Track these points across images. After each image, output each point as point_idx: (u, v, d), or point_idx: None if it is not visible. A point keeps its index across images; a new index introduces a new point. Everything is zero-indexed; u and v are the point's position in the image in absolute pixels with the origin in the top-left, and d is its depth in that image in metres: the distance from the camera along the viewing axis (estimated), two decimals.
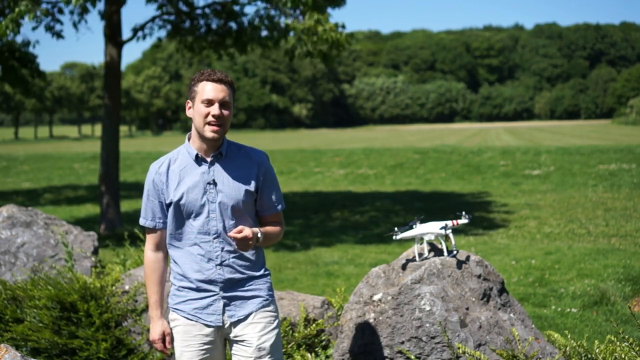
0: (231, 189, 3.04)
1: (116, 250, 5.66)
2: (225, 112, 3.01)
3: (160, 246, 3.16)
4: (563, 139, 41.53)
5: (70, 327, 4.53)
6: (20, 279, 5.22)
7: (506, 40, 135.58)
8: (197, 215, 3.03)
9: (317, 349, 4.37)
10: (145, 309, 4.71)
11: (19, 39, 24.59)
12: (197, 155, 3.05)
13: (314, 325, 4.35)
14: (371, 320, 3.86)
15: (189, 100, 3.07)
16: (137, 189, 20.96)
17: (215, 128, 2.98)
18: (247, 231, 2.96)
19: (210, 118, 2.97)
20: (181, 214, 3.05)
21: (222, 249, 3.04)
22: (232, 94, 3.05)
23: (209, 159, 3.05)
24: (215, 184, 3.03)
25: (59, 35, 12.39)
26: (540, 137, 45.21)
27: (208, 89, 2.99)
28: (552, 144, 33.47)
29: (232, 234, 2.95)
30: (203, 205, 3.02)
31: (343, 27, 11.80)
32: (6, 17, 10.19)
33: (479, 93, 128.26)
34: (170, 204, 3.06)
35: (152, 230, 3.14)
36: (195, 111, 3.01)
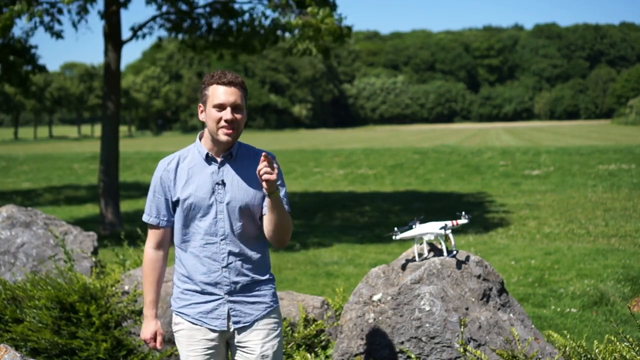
0: (240, 190, 3.00)
1: (115, 251, 5.66)
2: (238, 116, 2.96)
3: (162, 245, 3.11)
4: (563, 139, 41.52)
5: (70, 328, 4.53)
6: (20, 279, 5.22)
7: (506, 40, 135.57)
8: (204, 215, 2.99)
9: (316, 349, 4.37)
10: None
11: (17, 32, 24.52)
12: (207, 155, 3.02)
13: (313, 325, 4.35)
14: (371, 321, 3.85)
15: (200, 104, 3.02)
16: (136, 189, 20.95)
17: (228, 132, 2.94)
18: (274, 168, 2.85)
19: (222, 123, 2.93)
20: (188, 214, 3.00)
21: (229, 251, 3.00)
22: (244, 96, 2.99)
23: (219, 159, 3.02)
24: (224, 184, 2.99)
25: (58, 35, 12.37)
26: (540, 137, 45.21)
27: (219, 93, 2.93)
28: (552, 144, 33.46)
29: (264, 157, 2.81)
30: (211, 206, 2.98)
31: (340, 21, 11.73)
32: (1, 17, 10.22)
33: (478, 93, 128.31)
34: (177, 201, 3.02)
35: (156, 227, 3.09)
36: (208, 116, 2.96)
